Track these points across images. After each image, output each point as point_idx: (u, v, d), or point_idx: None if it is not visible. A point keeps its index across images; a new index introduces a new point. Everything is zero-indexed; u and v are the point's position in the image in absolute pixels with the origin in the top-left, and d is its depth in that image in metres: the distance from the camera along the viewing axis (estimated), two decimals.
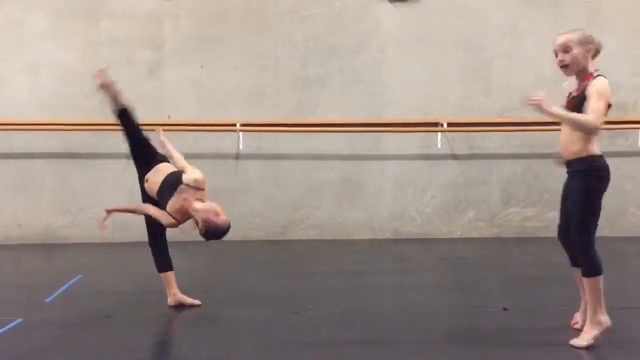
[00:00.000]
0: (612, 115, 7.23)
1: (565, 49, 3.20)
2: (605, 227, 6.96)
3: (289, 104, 6.93)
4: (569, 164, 3.26)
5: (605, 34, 6.94)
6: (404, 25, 7.01)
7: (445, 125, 6.87)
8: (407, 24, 7.02)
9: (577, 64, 3.20)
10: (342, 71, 6.96)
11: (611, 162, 7.74)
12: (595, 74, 3.18)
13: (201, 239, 6.97)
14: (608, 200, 7.68)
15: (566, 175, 3.33)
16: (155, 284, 4.76)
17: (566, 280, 4.34)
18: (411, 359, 3.04)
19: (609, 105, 3.14)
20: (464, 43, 7.02)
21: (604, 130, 7.41)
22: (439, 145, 6.95)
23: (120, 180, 6.86)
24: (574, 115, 3.12)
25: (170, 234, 6.94)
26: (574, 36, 3.21)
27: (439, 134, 6.94)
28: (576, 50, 3.18)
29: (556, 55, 3.26)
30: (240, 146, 6.86)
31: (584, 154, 3.16)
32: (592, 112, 3.06)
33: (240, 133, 6.81)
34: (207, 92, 6.89)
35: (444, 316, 3.83)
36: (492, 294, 4.41)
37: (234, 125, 6.77)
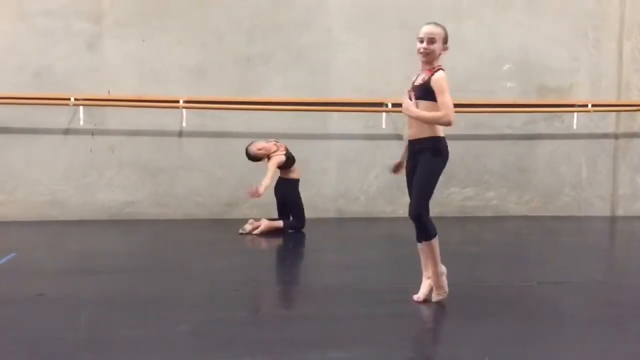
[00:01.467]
0: (549, 99, 7.57)
1: (433, 40, 3.45)
2: (541, 206, 7.36)
3: (234, 81, 6.83)
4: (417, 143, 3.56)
5: (543, 20, 7.24)
6: (350, 3, 7.00)
7: (389, 105, 6.94)
8: (353, 2, 7.01)
9: (433, 56, 3.47)
10: (287, 49, 6.90)
11: (548, 144, 8.03)
12: (438, 67, 3.48)
13: (142, 217, 6.88)
14: (544, 181, 8.04)
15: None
16: (90, 263, 4.66)
17: (503, 257, 4.48)
18: (352, 333, 3.08)
19: None
20: (408, 24, 7.06)
21: (541, 114, 7.67)
22: (384, 126, 7.01)
23: (55, 156, 6.64)
24: (429, 115, 3.43)
25: (113, 211, 6.81)
26: (442, 31, 3.49)
27: (384, 114, 7.00)
28: (439, 45, 3.47)
29: (420, 42, 3.47)
30: (184, 123, 6.73)
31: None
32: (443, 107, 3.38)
33: (184, 110, 6.69)
34: (148, 67, 6.71)
35: (385, 292, 3.89)
36: None
37: (177, 101, 6.63)
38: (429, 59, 3.48)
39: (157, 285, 4.02)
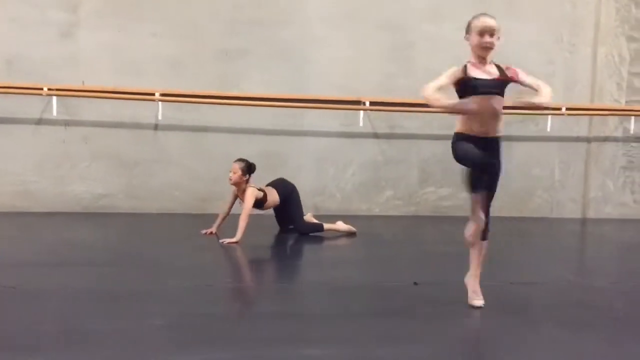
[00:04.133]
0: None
1: (494, 33, 3.33)
2: (514, 208, 7.45)
3: (212, 74, 6.78)
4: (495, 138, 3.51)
5: (520, 23, 7.32)
6: (331, 1, 6.99)
7: (367, 104, 6.96)
8: (334, 0, 7.00)
9: (494, 48, 3.35)
10: (267, 44, 6.87)
11: (522, 147, 8.13)
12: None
13: (116, 210, 6.80)
14: (517, 183, 8.12)
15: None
16: (62, 256, 4.59)
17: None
18: (326, 331, 3.08)
19: None
20: (388, 23, 7.10)
21: (515, 116, 7.70)
22: (361, 124, 7.03)
23: (27, 147, 6.52)
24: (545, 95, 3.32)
25: (86, 203, 6.70)
26: (497, 24, 3.35)
27: (361, 112, 7.02)
28: (497, 36, 3.35)
29: (481, 35, 3.31)
30: (159, 116, 6.66)
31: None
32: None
33: (160, 103, 6.61)
34: (124, 58, 6.62)
35: (360, 290, 3.90)
36: (405, 269, 4.54)
37: (153, 94, 6.56)
38: (490, 53, 3.36)
39: (130, 279, 3.97)
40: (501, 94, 3.38)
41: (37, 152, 6.56)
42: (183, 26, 6.72)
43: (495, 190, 3.59)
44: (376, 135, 7.19)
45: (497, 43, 3.34)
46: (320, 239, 5.65)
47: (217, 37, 6.79)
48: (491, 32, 3.31)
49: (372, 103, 6.96)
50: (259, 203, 5.60)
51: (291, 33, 6.91)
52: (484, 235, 3.56)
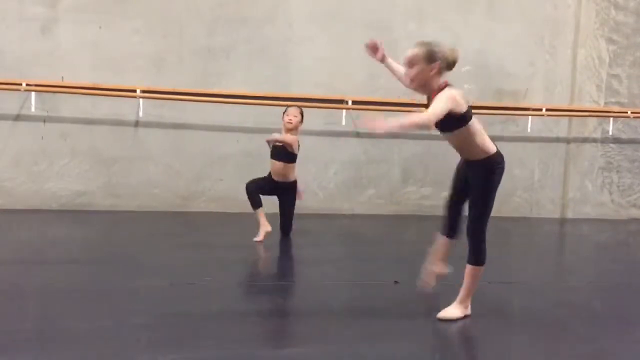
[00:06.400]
0: (505, 102, 7.71)
1: (413, 63, 3.09)
2: (494, 207, 7.48)
3: (193, 72, 6.73)
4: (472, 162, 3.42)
5: (501, 24, 7.38)
6: (314, 0, 6.98)
7: (350, 102, 6.96)
8: None
9: (420, 79, 3.11)
10: (249, 42, 6.84)
11: (503, 147, 8.16)
12: (443, 86, 3.09)
13: (94, 208, 6.72)
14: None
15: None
16: (39, 254, 4.53)
17: (454, 256, 4.53)
18: (306, 329, 3.08)
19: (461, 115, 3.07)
20: (371, 23, 7.10)
21: (497, 116, 7.77)
22: (344, 123, 7.03)
23: (4, 143, 6.42)
24: (410, 118, 3.04)
25: (64, 201, 6.63)
26: (420, 51, 3.08)
27: (344, 111, 7.02)
28: (420, 67, 3.07)
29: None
30: (140, 113, 6.60)
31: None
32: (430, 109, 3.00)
33: (141, 100, 6.55)
34: (105, 54, 6.54)
35: (341, 288, 3.90)
36: (386, 268, 4.55)
37: (134, 91, 6.50)
38: (417, 85, 3.13)
39: (109, 277, 3.93)
40: (445, 129, 3.17)
41: (14, 149, 6.46)
42: (165, 23, 6.66)
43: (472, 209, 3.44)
44: (358, 135, 7.20)
45: (423, 70, 3.05)
46: (301, 238, 5.64)
47: (199, 34, 6.74)
48: (407, 64, 3.11)
49: (354, 102, 6.97)
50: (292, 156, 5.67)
51: (274, 31, 6.88)
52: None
